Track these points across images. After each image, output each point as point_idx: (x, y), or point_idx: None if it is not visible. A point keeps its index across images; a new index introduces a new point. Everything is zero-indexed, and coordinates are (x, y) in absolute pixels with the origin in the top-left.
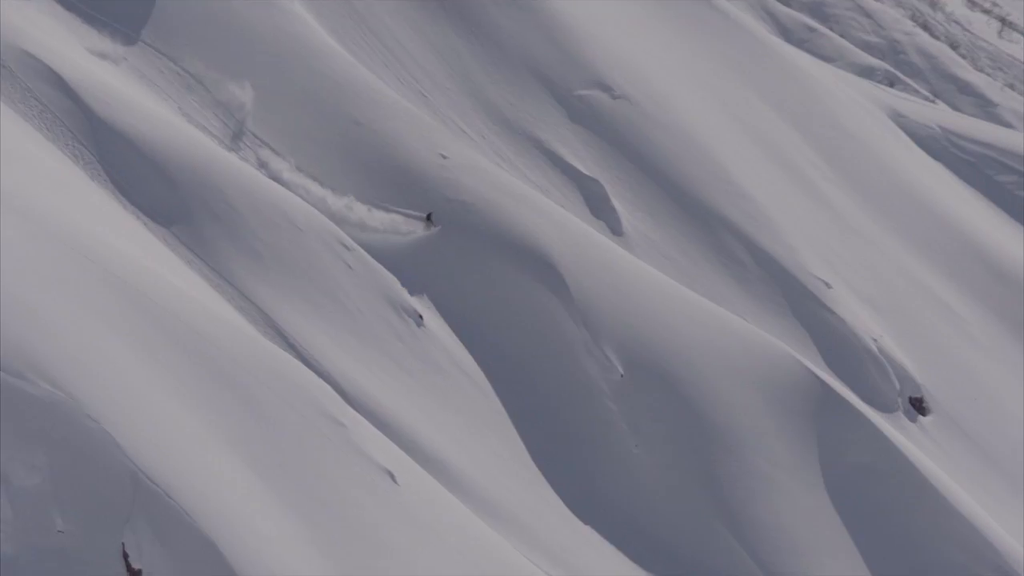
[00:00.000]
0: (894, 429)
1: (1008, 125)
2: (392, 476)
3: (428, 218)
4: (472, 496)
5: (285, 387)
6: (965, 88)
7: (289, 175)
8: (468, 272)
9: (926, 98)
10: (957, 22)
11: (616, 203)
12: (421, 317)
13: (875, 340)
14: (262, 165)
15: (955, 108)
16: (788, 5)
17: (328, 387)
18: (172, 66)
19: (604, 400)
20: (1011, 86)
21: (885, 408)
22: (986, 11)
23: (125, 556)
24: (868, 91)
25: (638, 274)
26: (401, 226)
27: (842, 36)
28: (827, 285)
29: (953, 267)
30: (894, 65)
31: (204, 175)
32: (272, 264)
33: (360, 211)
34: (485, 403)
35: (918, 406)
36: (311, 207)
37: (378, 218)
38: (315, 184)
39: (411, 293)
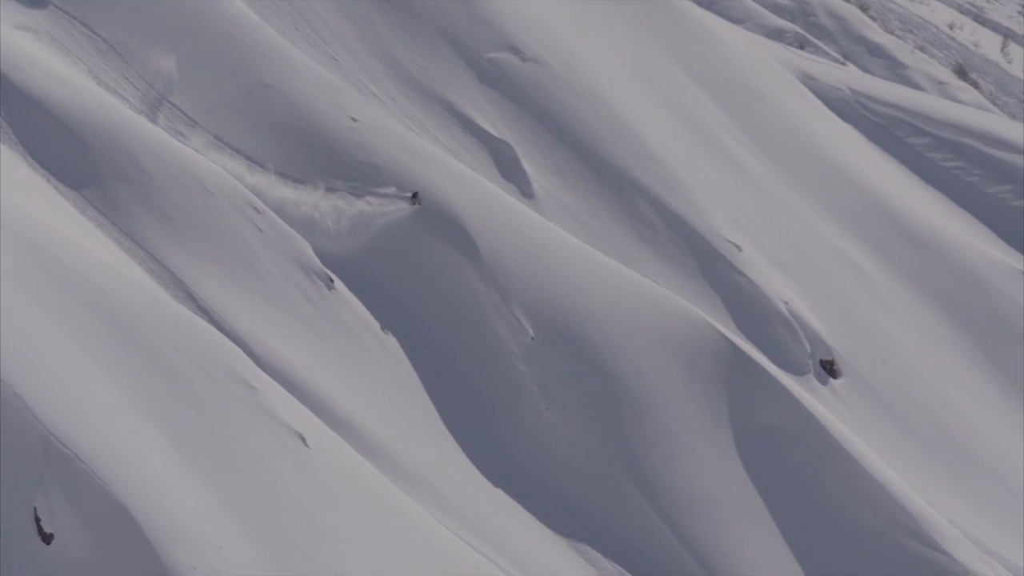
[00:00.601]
0: (805, 392)
1: (918, 87)
2: (303, 439)
3: (414, 197)
4: (383, 459)
5: (195, 350)
6: (875, 50)
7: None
8: (380, 234)
9: (836, 60)
10: None
11: (526, 165)
12: (332, 280)
13: (786, 303)
14: (178, 133)
15: (865, 70)
16: None
17: (239, 350)
18: (86, 32)
19: (515, 363)
20: (921, 48)
21: (796, 371)
22: None
23: (37, 520)
24: (778, 53)
25: (549, 237)
26: (387, 206)
27: None
28: (737, 248)
29: (864, 230)
30: (804, 27)
31: (116, 139)
32: (183, 227)
33: (337, 202)
34: (396, 367)
35: (829, 369)
36: (222, 170)
37: (358, 208)
38: (291, 190)
39: (321, 257)
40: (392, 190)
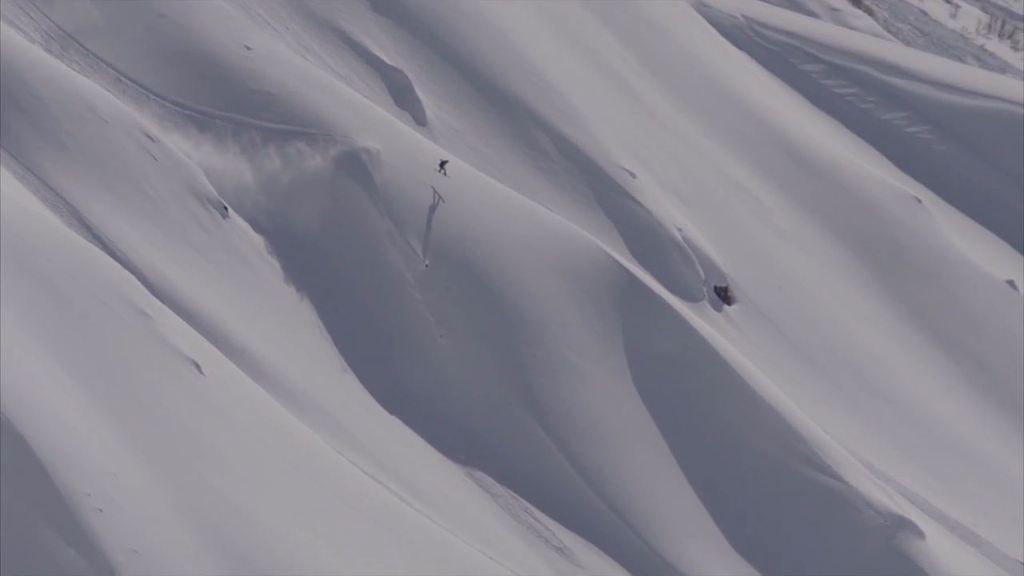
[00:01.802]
0: (699, 318)
1: (813, 14)
2: (198, 367)
3: (441, 166)
4: (278, 387)
5: (90, 278)
6: None
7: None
8: (274, 163)
9: None
10: None
11: (420, 94)
12: (226, 208)
13: (680, 230)
14: (72, 62)
15: None
16: None
17: (133, 278)
18: None
19: (409, 290)
20: None
21: (690, 297)
22: None
23: None
24: None
25: None
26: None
27: None
28: (632, 175)
29: (758, 157)
30: None
31: (11, 68)
32: (78, 156)
33: (231, 130)
34: (290, 295)
35: (723, 295)
36: (116, 100)
37: (249, 137)
38: None
39: (216, 185)
40: (288, 126)
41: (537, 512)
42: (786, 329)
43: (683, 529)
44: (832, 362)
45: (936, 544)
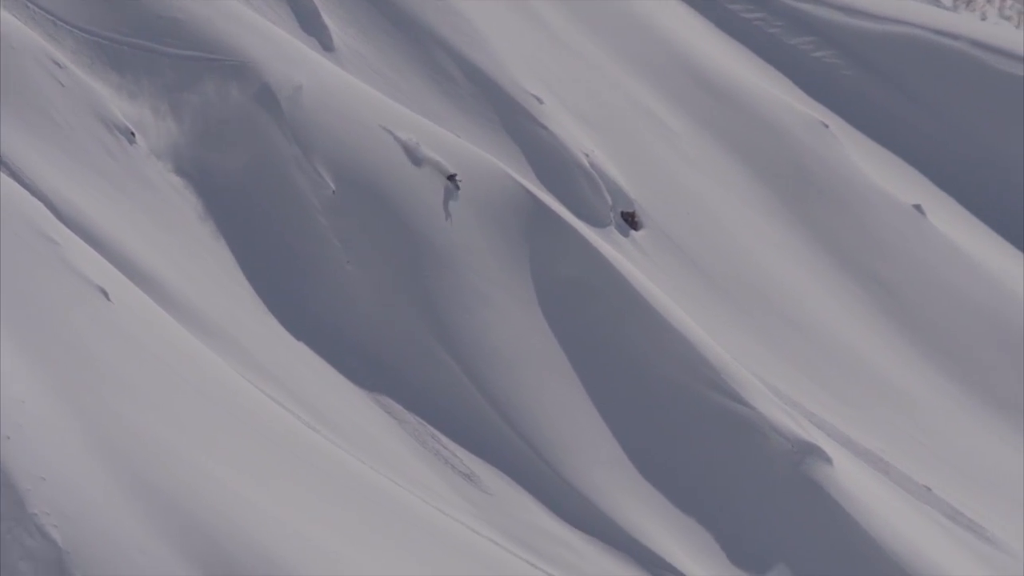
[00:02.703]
0: (607, 244)
1: None
2: (105, 293)
3: (451, 179)
4: (186, 314)
5: None
6: None
7: None
8: (181, 89)
9: None
10: None
11: (327, 19)
12: (133, 135)
13: (587, 155)
14: None
15: None
16: None
17: (40, 204)
18: None
19: (316, 216)
20: None
21: (597, 223)
22: None
23: None
24: None
25: (349, 90)
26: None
27: None
28: (539, 100)
29: (665, 82)
30: None
31: None
32: None
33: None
34: (197, 220)
35: (630, 220)
36: (23, 25)
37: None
38: None
39: (124, 111)
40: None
41: (444, 438)
42: (694, 255)
43: (591, 455)
44: (740, 288)
45: (844, 470)
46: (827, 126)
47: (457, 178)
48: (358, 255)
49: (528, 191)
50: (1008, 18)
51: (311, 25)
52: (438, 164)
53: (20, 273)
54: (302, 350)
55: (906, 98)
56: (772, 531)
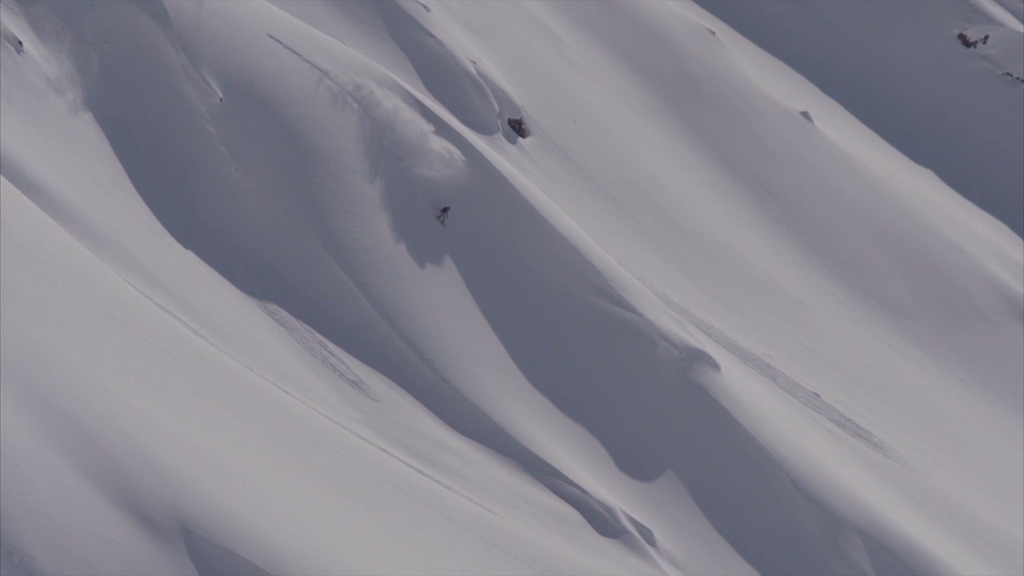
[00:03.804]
0: (494, 151)
1: None
2: None
3: (444, 212)
4: (73, 222)
5: None
6: None
7: None
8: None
9: None
10: None
11: None
12: (21, 44)
13: (474, 63)
14: None
15: None
16: None
17: None
18: None
19: (203, 124)
20: None
21: (484, 130)
22: None
23: None
24: None
25: None
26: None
27: None
28: (425, 8)
29: None
30: None
31: None
32: None
33: None
34: (85, 129)
35: (517, 128)
36: None
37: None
38: None
39: (12, 21)
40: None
41: (332, 346)
42: (581, 162)
43: (478, 363)
44: (628, 195)
45: (731, 376)
46: (714, 33)
47: (448, 211)
48: (245, 163)
49: (415, 98)
50: None
51: None
52: (442, 156)
53: None
54: (190, 258)
55: (792, 4)
56: (659, 437)
